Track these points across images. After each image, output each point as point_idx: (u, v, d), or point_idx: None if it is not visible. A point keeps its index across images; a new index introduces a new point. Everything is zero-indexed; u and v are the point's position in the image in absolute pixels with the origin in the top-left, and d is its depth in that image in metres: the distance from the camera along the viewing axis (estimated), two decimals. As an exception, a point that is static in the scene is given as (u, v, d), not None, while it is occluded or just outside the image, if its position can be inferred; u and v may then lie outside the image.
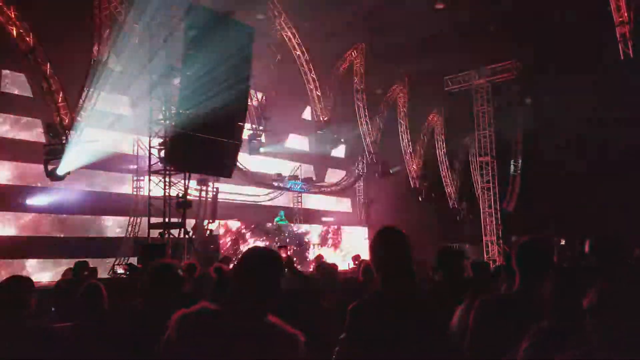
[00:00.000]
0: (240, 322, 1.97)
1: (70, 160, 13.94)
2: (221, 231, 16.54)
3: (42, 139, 14.94)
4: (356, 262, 11.36)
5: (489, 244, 20.74)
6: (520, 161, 25.27)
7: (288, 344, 1.99)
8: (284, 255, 11.95)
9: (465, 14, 17.90)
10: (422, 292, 2.98)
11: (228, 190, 18.87)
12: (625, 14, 14.60)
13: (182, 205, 13.05)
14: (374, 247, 2.56)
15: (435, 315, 2.50)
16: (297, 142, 24.07)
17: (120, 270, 14.01)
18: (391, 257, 2.49)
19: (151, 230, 12.93)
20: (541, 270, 2.53)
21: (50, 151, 14.09)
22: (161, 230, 12.80)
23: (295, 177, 22.06)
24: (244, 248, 16.63)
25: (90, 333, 3.40)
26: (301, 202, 22.89)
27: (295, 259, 12.98)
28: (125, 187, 17.68)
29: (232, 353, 1.91)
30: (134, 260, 14.39)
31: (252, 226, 17.48)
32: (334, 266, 7.48)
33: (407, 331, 2.31)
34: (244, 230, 17.21)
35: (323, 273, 7.07)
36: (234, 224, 17.16)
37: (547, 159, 22.11)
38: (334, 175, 25.28)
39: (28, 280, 3.26)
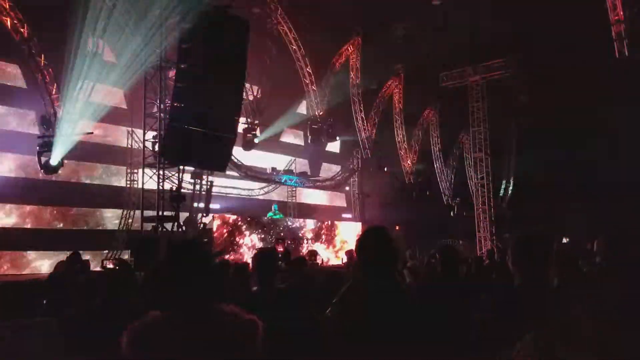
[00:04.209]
0: (191, 320, 1.95)
1: (60, 148, 13.89)
2: (215, 224, 16.55)
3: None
4: (349, 258, 11.36)
5: (483, 241, 20.83)
6: (512, 183, 25.39)
7: (245, 331, 1.98)
8: (281, 249, 11.95)
9: (461, 10, 17.89)
10: (405, 287, 3.08)
11: (222, 184, 18.86)
12: (621, 12, 14.60)
13: (176, 198, 13.02)
14: (358, 245, 2.65)
15: (417, 309, 2.56)
16: (292, 136, 24.05)
17: (109, 266, 13.92)
18: (376, 255, 2.57)
19: (144, 224, 12.92)
20: (539, 266, 2.62)
21: (44, 143, 14.02)
22: (155, 224, 12.78)
23: (290, 172, 22.06)
24: (239, 241, 16.68)
25: (82, 326, 3.39)
26: (295, 196, 22.91)
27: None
28: (119, 179, 17.66)
29: (190, 353, 1.89)
30: (126, 254, 14.38)
31: (248, 219, 17.52)
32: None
33: (386, 322, 2.37)
34: (240, 223, 17.24)
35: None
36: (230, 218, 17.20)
37: (541, 158, 22.16)
38: (328, 170, 25.29)
39: None
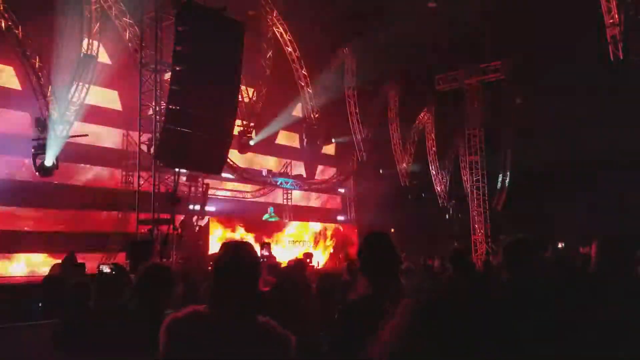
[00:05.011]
0: (231, 324, 1.96)
1: (54, 150, 13.84)
2: (210, 227, 16.49)
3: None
4: (345, 260, 11.41)
5: (478, 243, 20.86)
6: (508, 175, 25.40)
7: (279, 344, 2.00)
8: (266, 253, 12.02)
9: (457, 12, 17.93)
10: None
11: (217, 187, 18.82)
12: (616, 16, 14.68)
13: (172, 200, 12.99)
14: (362, 252, 2.66)
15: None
16: (288, 138, 24.03)
17: (106, 270, 13.79)
18: (380, 261, 2.58)
19: (139, 226, 12.88)
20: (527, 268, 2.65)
21: (39, 146, 13.96)
22: (150, 226, 12.74)
23: (285, 174, 22.05)
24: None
25: (75, 330, 3.37)
26: (291, 198, 22.88)
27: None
28: (114, 182, 17.57)
29: (224, 355, 1.91)
30: (122, 256, 14.29)
31: (242, 223, 17.46)
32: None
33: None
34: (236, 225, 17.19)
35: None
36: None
37: (536, 158, 22.20)
38: (324, 173, 25.28)
39: None
